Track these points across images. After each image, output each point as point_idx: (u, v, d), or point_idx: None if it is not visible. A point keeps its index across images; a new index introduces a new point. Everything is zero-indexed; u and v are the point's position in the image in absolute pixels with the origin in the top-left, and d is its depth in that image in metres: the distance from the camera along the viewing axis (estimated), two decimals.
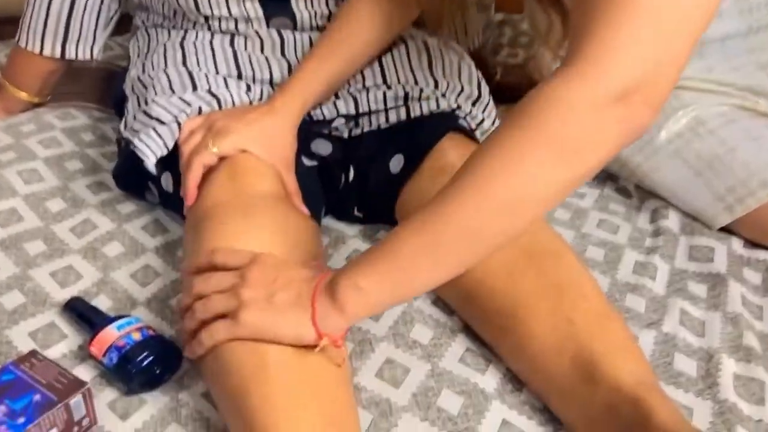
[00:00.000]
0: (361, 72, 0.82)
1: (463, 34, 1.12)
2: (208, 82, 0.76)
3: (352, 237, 0.82)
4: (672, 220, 0.87)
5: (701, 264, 0.79)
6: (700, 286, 0.76)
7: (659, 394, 0.53)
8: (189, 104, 0.73)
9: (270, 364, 0.51)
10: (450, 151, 0.76)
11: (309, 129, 0.80)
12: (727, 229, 0.85)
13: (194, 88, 0.75)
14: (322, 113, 0.80)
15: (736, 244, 0.83)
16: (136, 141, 0.72)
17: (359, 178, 0.81)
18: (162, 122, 0.72)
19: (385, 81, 0.82)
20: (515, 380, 0.63)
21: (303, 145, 0.77)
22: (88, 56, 0.93)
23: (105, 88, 1.06)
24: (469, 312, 0.67)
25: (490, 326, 0.65)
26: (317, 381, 0.52)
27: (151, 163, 0.72)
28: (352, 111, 0.80)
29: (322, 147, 0.82)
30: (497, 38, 1.35)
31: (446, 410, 0.59)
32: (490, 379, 0.63)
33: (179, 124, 0.72)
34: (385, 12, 0.76)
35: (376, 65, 0.83)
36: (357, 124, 0.82)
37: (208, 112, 0.73)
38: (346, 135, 0.83)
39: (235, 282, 0.55)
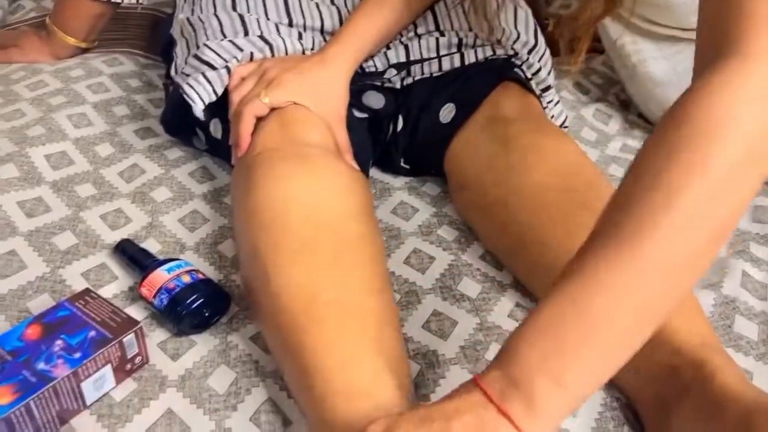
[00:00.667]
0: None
1: None
2: (260, 27, 0.74)
3: (398, 189, 0.81)
4: None
5: (765, 226, 0.75)
6: (764, 248, 0.72)
7: (723, 356, 0.50)
8: (241, 49, 0.71)
9: (321, 305, 0.51)
10: (504, 101, 0.73)
11: (361, 81, 0.78)
12: None
13: (246, 32, 0.73)
14: (375, 65, 0.78)
15: None
16: (185, 86, 0.71)
17: (408, 127, 0.79)
18: (213, 67, 0.71)
19: (437, 27, 0.79)
20: None
21: (355, 98, 0.75)
22: (134, 0, 0.92)
23: (151, 35, 1.05)
24: (520, 266, 0.66)
25: (542, 282, 0.63)
26: (371, 324, 0.51)
27: (198, 109, 0.71)
28: (403, 59, 0.78)
29: (374, 100, 0.80)
30: None
31: None
32: None
33: (229, 71, 0.71)
34: None
35: (428, 12, 0.79)
36: (409, 73, 0.80)
37: (260, 58, 0.71)
38: (398, 86, 0.80)
39: None
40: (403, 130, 0.79)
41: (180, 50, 0.78)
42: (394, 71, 0.79)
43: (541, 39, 0.82)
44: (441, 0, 0.80)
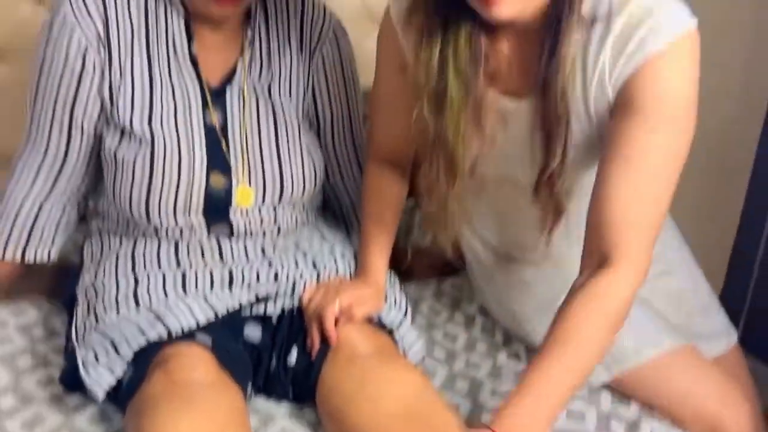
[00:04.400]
0: (296, 261, 0.98)
1: None
2: (150, 298, 0.89)
3: (280, 417, 0.93)
4: None
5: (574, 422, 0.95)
6: None
7: None
8: (142, 332, 0.84)
9: None
10: (361, 341, 0.89)
11: (243, 314, 0.93)
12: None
13: (137, 302, 0.88)
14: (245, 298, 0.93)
15: (604, 403, 0.99)
16: (84, 376, 0.83)
17: (283, 361, 0.93)
18: (114, 348, 0.84)
19: (319, 279, 0.97)
20: None
21: (236, 331, 0.90)
22: (45, 259, 1.05)
23: (55, 283, 1.16)
24: None
25: None
26: None
27: (100, 396, 0.82)
28: (292, 290, 0.95)
29: (253, 333, 0.94)
30: (409, 220, 1.56)
31: None
32: None
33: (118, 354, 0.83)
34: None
35: (312, 268, 0.99)
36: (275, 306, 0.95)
37: (155, 338, 0.84)
38: (274, 320, 0.96)
39: None
40: (288, 361, 0.93)
41: (81, 312, 0.91)
42: (284, 298, 0.94)
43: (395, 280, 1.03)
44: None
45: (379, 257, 0.99)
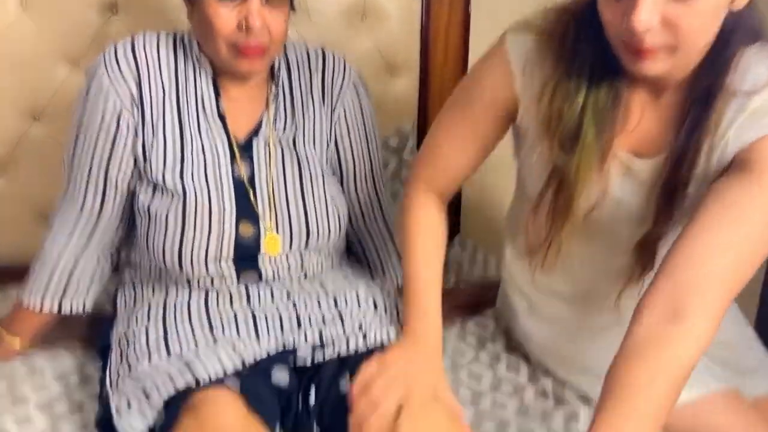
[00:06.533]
0: (318, 302, 1.00)
1: None
2: (180, 346, 0.91)
3: None
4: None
5: None
6: None
7: None
8: (172, 380, 0.86)
9: None
10: None
11: (273, 361, 0.94)
12: None
13: (168, 351, 0.91)
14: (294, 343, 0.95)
15: None
16: (117, 421, 0.86)
17: (319, 401, 0.94)
18: (146, 395, 0.86)
19: (341, 317, 1.00)
20: None
21: (264, 375, 0.92)
22: (80, 310, 1.08)
23: (90, 330, 1.20)
24: None
25: None
26: None
27: None
28: (318, 342, 0.96)
29: (281, 377, 0.96)
30: None
31: None
32: None
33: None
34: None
35: (334, 306, 1.01)
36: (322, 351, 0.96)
37: (182, 385, 0.85)
38: (309, 363, 0.97)
39: None
40: (315, 404, 0.94)
41: (114, 358, 0.95)
42: (309, 349, 0.96)
43: None
44: (342, 296, 1.03)
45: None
